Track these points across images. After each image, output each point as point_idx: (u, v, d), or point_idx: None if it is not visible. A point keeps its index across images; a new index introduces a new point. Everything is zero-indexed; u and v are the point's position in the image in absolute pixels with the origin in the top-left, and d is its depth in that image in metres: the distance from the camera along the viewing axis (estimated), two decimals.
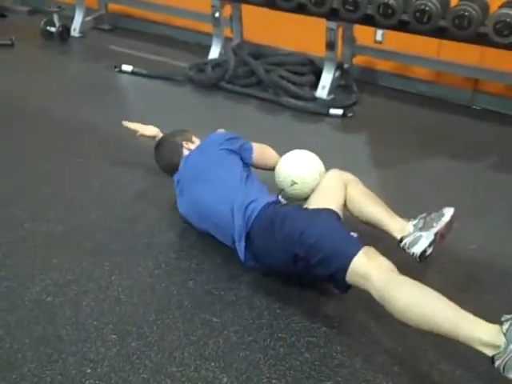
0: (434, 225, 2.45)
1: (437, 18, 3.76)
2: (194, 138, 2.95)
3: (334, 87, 4.65)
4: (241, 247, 2.41)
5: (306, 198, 2.67)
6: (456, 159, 3.69)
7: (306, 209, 2.49)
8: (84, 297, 2.38)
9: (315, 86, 4.61)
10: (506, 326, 1.83)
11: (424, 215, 2.51)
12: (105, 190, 3.16)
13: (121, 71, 4.95)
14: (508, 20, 3.52)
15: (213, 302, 2.37)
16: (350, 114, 4.28)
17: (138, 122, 3.21)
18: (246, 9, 5.07)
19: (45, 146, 3.64)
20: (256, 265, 2.46)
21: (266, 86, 4.62)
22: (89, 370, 2.03)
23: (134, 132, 3.17)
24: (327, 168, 2.75)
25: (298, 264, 2.27)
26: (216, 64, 4.86)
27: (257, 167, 2.84)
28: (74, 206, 3.00)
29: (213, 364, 2.07)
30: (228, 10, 5.12)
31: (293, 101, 4.43)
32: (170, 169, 2.88)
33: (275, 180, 2.76)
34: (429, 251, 2.40)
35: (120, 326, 2.23)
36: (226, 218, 2.45)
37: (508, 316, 1.88)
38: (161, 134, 3.14)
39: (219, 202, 2.50)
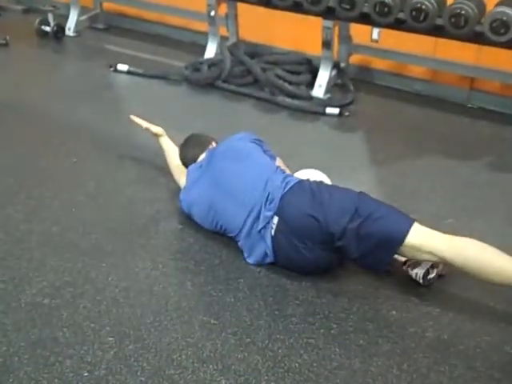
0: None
1: (433, 16, 3.75)
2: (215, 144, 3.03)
3: (331, 86, 4.64)
4: (266, 215, 2.48)
5: None
6: (453, 158, 3.68)
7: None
8: (81, 299, 2.36)
9: (312, 85, 4.60)
10: None
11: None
12: (101, 190, 3.15)
13: (116, 70, 4.93)
14: (504, 18, 3.51)
15: (211, 304, 2.36)
16: (346, 113, 4.27)
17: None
18: (241, 7, 5.05)
19: (40, 146, 3.62)
20: (263, 249, 2.53)
21: (263, 85, 4.60)
22: (86, 374, 2.01)
23: (140, 125, 3.24)
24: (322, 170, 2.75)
25: (345, 237, 2.34)
26: (212, 63, 4.84)
27: None
28: (70, 207, 2.98)
29: (211, 366, 2.06)
30: (223, 8, 5.10)
31: (289, 100, 4.41)
32: (190, 159, 2.94)
33: None
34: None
35: (117, 328, 2.22)
36: (254, 197, 2.52)
37: None
38: (165, 135, 3.20)
39: (252, 178, 2.59)
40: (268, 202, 2.48)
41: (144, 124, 3.24)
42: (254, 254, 2.56)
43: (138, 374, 2.02)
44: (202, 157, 2.90)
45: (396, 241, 2.30)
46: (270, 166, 2.68)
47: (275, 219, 2.45)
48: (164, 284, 2.47)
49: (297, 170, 2.92)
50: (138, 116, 3.29)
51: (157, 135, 3.21)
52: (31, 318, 2.25)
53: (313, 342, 2.19)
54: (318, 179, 2.73)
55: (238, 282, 2.48)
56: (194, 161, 2.92)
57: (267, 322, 2.27)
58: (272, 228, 2.46)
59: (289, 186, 2.49)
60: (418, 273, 2.46)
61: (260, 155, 2.77)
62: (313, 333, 2.23)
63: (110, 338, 2.17)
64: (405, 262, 2.49)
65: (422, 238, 2.30)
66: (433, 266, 2.45)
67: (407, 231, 2.29)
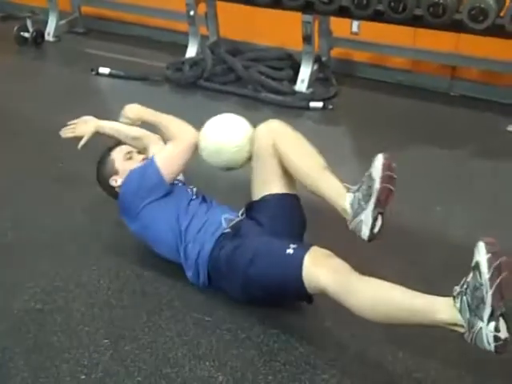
0: (369, 200, 2.08)
1: (412, 6, 3.77)
2: (117, 162, 2.66)
3: (313, 80, 4.65)
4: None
5: (248, 160, 2.50)
6: (437, 146, 3.71)
7: (247, 236, 2.35)
8: (73, 303, 2.36)
9: (294, 80, 4.61)
10: (457, 304, 1.80)
11: (357, 187, 2.18)
12: (88, 194, 3.13)
13: (98, 74, 4.91)
14: (482, 6, 3.53)
15: (204, 301, 2.37)
16: (330, 107, 4.29)
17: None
18: (220, 6, 5.05)
19: (25, 152, 3.60)
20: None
21: (245, 82, 4.61)
22: (83, 376, 2.01)
23: (76, 140, 2.87)
24: None
25: (266, 300, 2.30)
26: (193, 63, 4.84)
27: (179, 171, 2.60)
28: (57, 212, 2.98)
29: (207, 363, 2.07)
30: (203, 7, 5.10)
31: (272, 96, 4.42)
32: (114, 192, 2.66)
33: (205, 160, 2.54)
34: (376, 230, 2.10)
35: (112, 329, 2.22)
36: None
37: (457, 289, 1.83)
38: (100, 123, 2.84)
39: (175, 259, 2.47)
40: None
41: (75, 134, 2.86)
42: None
43: (135, 374, 2.02)
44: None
45: (304, 295, 2.18)
46: (171, 240, 2.45)
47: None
48: (156, 284, 2.47)
49: None
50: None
51: (97, 133, 2.83)
52: (25, 323, 2.25)
53: (307, 335, 2.20)
54: (235, 136, 2.47)
55: None
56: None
57: (261, 317, 2.28)
58: None
59: (205, 265, 2.36)
60: (362, 237, 2.14)
61: (159, 228, 2.48)
62: (307, 326, 2.25)
63: (106, 340, 2.17)
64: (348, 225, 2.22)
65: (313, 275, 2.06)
66: (373, 225, 2.11)
67: (300, 274, 2.07)
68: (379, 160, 2.11)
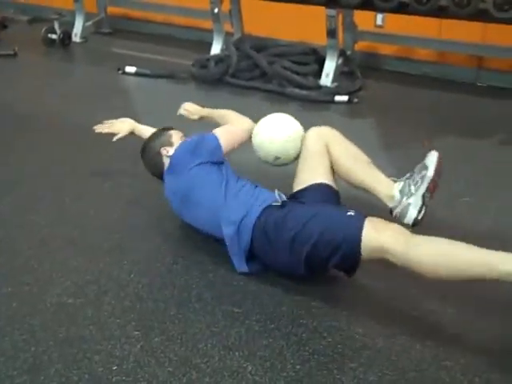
0: (420, 185, 2.33)
1: None
2: (174, 138, 2.77)
3: (338, 74, 4.66)
4: (242, 265, 2.47)
5: (295, 159, 2.67)
6: (465, 137, 3.69)
7: (297, 206, 2.43)
8: (104, 296, 2.39)
9: (319, 74, 4.62)
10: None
11: (408, 175, 2.42)
12: (118, 191, 3.18)
13: (124, 73, 4.97)
14: None
15: (233, 293, 2.38)
16: (355, 100, 4.29)
17: (129, 121, 3.18)
18: (244, 2, 5.08)
19: (58, 153, 3.66)
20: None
21: (270, 77, 4.63)
22: (115, 367, 2.04)
23: (111, 135, 3.09)
24: None
25: (311, 264, 2.29)
26: (219, 59, 4.88)
27: (231, 150, 2.74)
28: (89, 209, 3.02)
29: (237, 353, 2.08)
30: (227, 5, 5.14)
31: (298, 90, 4.44)
32: (159, 172, 2.78)
33: (255, 152, 2.72)
34: (421, 216, 2.31)
35: (142, 322, 2.25)
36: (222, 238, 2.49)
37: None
38: (136, 125, 3.09)
39: (211, 227, 2.55)
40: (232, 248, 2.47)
41: (111, 131, 3.09)
42: None
43: (166, 365, 2.05)
44: (167, 162, 2.72)
45: (355, 261, 2.24)
46: (215, 204, 2.50)
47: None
48: (185, 277, 2.50)
49: None
50: (146, 117, 3.31)
51: (131, 133, 3.08)
52: (57, 317, 2.29)
53: (336, 325, 2.21)
54: (288, 130, 2.66)
55: None
56: (162, 171, 2.75)
57: (289, 307, 2.30)
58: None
59: (249, 237, 2.40)
60: (406, 223, 2.32)
61: (201, 189, 2.56)
62: (335, 315, 2.25)
63: (136, 332, 2.20)
64: (391, 211, 2.40)
65: (374, 243, 2.15)
66: (420, 211, 2.32)
67: (359, 239, 2.15)
68: (434, 154, 2.42)
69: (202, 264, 2.57)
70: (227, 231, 2.45)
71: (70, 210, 3.03)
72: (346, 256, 2.21)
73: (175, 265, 2.57)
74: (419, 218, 2.30)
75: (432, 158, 2.40)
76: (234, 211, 2.45)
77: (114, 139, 3.05)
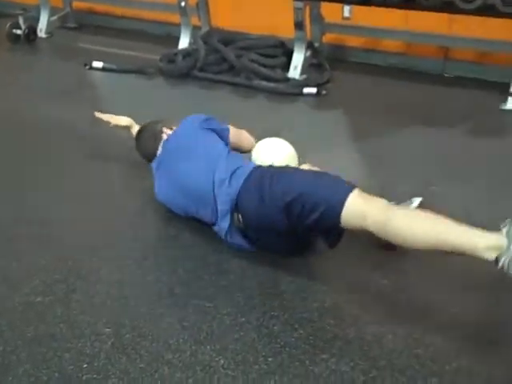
0: None
1: None
2: (175, 124, 2.92)
3: (306, 67, 4.66)
4: (224, 223, 2.47)
5: None
6: (432, 128, 3.72)
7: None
8: (73, 294, 2.36)
9: (287, 67, 4.62)
10: (505, 229, 1.91)
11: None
12: (85, 188, 3.15)
13: (91, 68, 4.92)
14: None
15: (204, 287, 2.37)
16: (323, 92, 4.30)
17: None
18: None
19: (21, 149, 3.60)
20: (240, 242, 2.51)
21: (238, 70, 4.62)
22: (85, 365, 2.02)
23: (108, 123, 3.24)
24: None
25: (290, 217, 2.30)
26: (186, 53, 4.85)
27: (232, 148, 2.82)
28: (56, 206, 2.98)
29: (208, 347, 2.08)
30: None
31: (265, 83, 4.43)
32: (150, 155, 2.90)
33: None
34: None
35: (113, 319, 2.23)
36: (208, 191, 2.49)
37: (506, 221, 1.93)
38: (134, 124, 3.20)
39: (202, 173, 2.55)
40: (223, 204, 2.47)
41: (111, 120, 3.24)
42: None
43: (138, 361, 2.03)
44: (159, 151, 2.84)
45: (335, 223, 2.24)
46: (218, 158, 2.58)
47: (240, 215, 2.45)
48: (156, 273, 2.48)
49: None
50: (114, 111, 3.30)
51: (127, 127, 3.21)
52: (26, 316, 2.25)
53: (307, 316, 2.21)
54: (280, 149, 2.81)
55: (229, 263, 2.50)
56: (154, 156, 2.86)
57: (260, 300, 2.29)
58: (240, 222, 2.46)
59: (239, 185, 2.43)
60: None
61: (207, 146, 2.68)
62: (306, 307, 2.25)
63: (107, 329, 2.17)
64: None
65: (357, 211, 2.19)
66: None
67: (341, 207, 2.19)
68: None
69: (172, 260, 2.56)
70: (220, 175, 2.49)
71: (35, 207, 2.99)
72: (327, 215, 2.22)
73: (145, 261, 2.55)
74: None
75: None
76: (232, 163, 2.54)
77: (111, 125, 3.22)
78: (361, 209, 2.18)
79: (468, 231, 2.00)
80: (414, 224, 2.11)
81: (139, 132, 3.03)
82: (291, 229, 2.35)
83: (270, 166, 2.54)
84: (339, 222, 2.22)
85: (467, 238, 1.98)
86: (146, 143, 2.95)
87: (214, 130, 2.79)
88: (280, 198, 2.30)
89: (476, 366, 1.97)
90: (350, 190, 2.22)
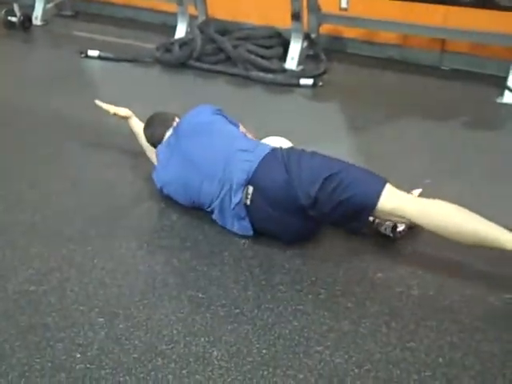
0: None
1: None
2: None
3: (303, 58, 4.64)
4: (236, 197, 2.49)
5: None
6: (428, 120, 3.71)
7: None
8: (67, 283, 2.36)
9: (284, 58, 4.60)
10: None
11: None
12: (80, 177, 3.13)
13: (87, 56, 4.89)
14: None
15: (198, 278, 2.37)
16: (320, 83, 4.29)
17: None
18: None
19: (15, 137, 3.59)
20: (241, 223, 2.55)
21: (235, 61, 4.59)
22: (78, 355, 2.02)
23: (107, 111, 3.23)
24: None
25: (322, 192, 2.34)
26: (183, 43, 4.82)
27: None
28: (49, 195, 2.97)
29: (202, 339, 2.07)
30: None
31: (262, 74, 4.42)
32: (157, 138, 2.91)
33: None
34: None
35: (106, 308, 2.22)
36: (221, 160, 2.54)
37: None
38: (134, 116, 3.19)
39: (218, 144, 2.64)
40: (240, 172, 2.48)
41: (111, 109, 3.23)
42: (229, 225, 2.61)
43: (131, 351, 2.03)
44: (168, 135, 2.87)
45: (368, 207, 2.34)
46: (236, 135, 2.73)
47: (250, 189, 2.46)
48: (150, 263, 2.48)
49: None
50: (110, 101, 3.28)
51: (125, 118, 3.21)
52: (19, 305, 2.25)
53: (302, 309, 2.21)
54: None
55: (224, 255, 2.50)
56: (161, 140, 2.89)
57: (255, 292, 2.29)
58: (248, 198, 2.47)
59: (262, 155, 2.49)
60: (386, 227, 2.53)
61: (224, 125, 2.79)
62: (301, 299, 2.25)
63: (100, 319, 2.17)
64: (373, 221, 2.54)
65: (393, 203, 2.32)
66: None
67: (378, 197, 2.32)
68: None
69: (166, 249, 2.55)
70: (241, 145, 2.59)
71: (28, 196, 2.97)
72: (361, 198, 2.33)
73: (139, 250, 2.55)
74: None
75: None
76: (252, 141, 2.70)
77: (111, 113, 3.22)
78: (397, 201, 2.32)
79: (498, 227, 2.18)
80: (454, 217, 2.26)
81: (151, 116, 3.03)
82: (313, 205, 2.37)
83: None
84: (373, 209, 2.33)
85: (501, 232, 2.16)
86: (155, 126, 2.96)
87: (226, 118, 2.85)
88: (317, 172, 2.37)
89: (469, 359, 1.98)
90: (385, 182, 2.36)
